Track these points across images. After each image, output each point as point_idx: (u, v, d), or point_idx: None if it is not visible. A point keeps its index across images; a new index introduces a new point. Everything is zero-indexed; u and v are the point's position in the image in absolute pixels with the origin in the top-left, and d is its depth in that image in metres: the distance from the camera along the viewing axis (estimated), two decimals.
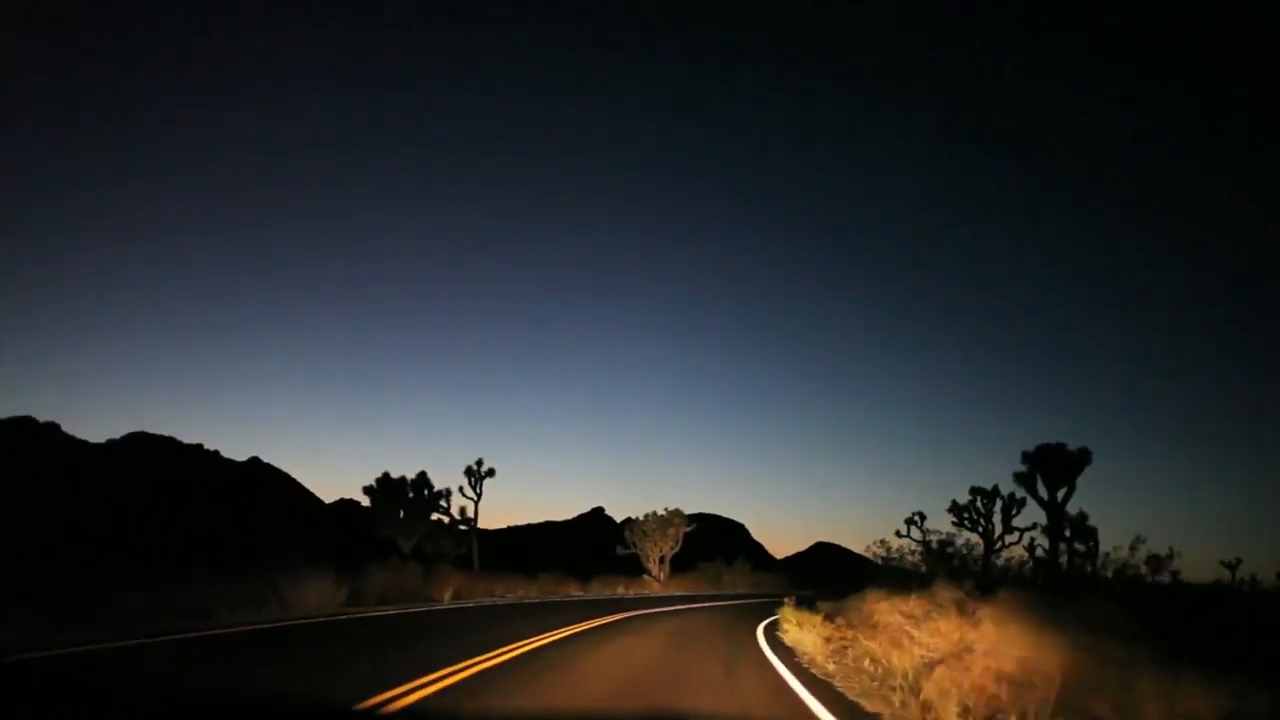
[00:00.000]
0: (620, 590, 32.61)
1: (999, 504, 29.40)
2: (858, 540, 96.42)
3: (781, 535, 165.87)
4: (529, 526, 77.13)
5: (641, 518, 41.27)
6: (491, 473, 31.89)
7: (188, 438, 35.64)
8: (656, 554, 40.22)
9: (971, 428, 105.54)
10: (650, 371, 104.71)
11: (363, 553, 22.44)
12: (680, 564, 42.28)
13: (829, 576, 59.02)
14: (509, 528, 72.83)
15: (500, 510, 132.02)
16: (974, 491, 29.75)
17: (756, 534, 76.00)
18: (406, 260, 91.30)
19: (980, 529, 29.91)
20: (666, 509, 41.08)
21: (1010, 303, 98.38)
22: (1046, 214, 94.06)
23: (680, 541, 40.53)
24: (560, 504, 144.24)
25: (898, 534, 34.04)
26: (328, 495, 52.96)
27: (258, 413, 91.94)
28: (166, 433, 41.76)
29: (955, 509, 30.28)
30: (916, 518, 33.80)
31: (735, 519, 75.39)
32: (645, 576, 39.07)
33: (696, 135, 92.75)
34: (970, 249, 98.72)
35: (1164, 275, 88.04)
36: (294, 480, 52.89)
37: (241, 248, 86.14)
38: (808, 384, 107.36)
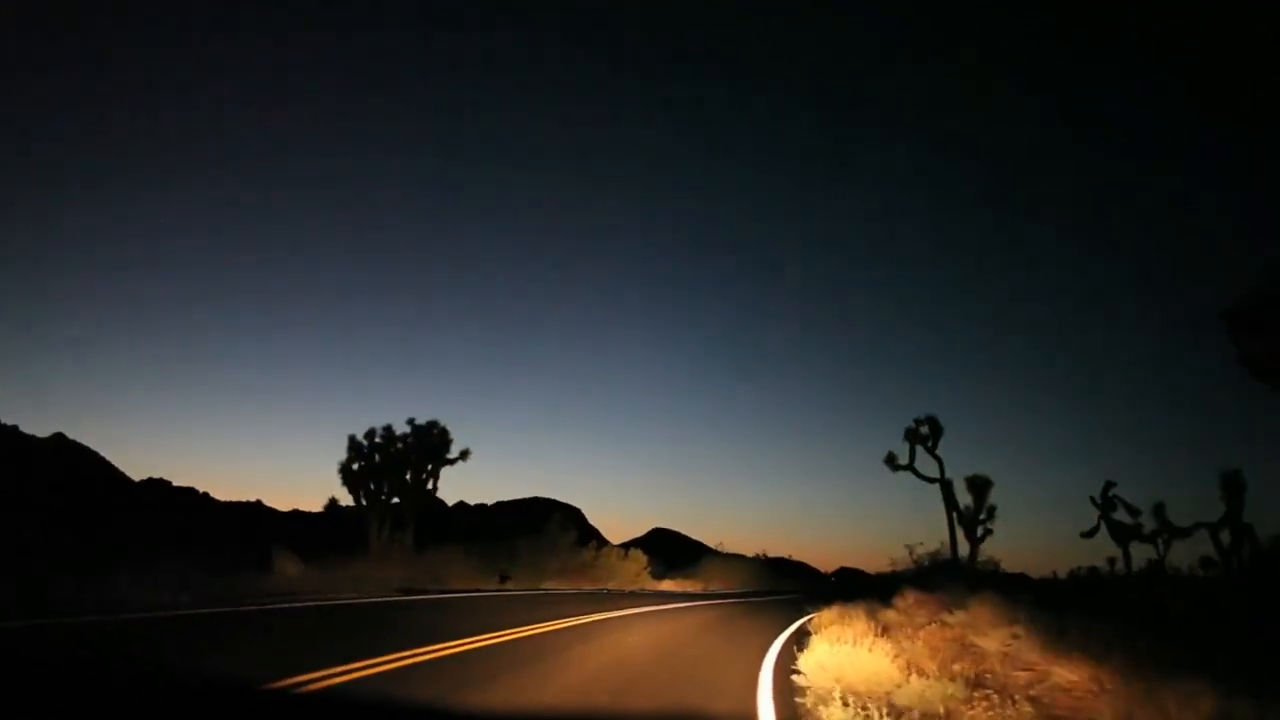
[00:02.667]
0: None
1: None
2: (694, 526, 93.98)
3: (619, 520, 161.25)
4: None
5: (362, 438, 24.80)
6: None
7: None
8: (383, 519, 23.87)
9: (810, 420, 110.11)
10: (491, 354, 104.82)
11: None
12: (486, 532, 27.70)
13: (675, 560, 52.20)
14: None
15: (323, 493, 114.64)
16: None
17: (594, 519, 68.60)
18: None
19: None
20: (413, 422, 25.42)
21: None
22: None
23: (434, 485, 25.23)
24: None
25: (892, 463, 20.88)
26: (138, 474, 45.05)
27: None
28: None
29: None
30: (923, 429, 20.85)
31: (571, 503, 68.31)
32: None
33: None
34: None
35: None
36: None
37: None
38: (646, 370, 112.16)
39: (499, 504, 69.42)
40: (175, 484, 39.46)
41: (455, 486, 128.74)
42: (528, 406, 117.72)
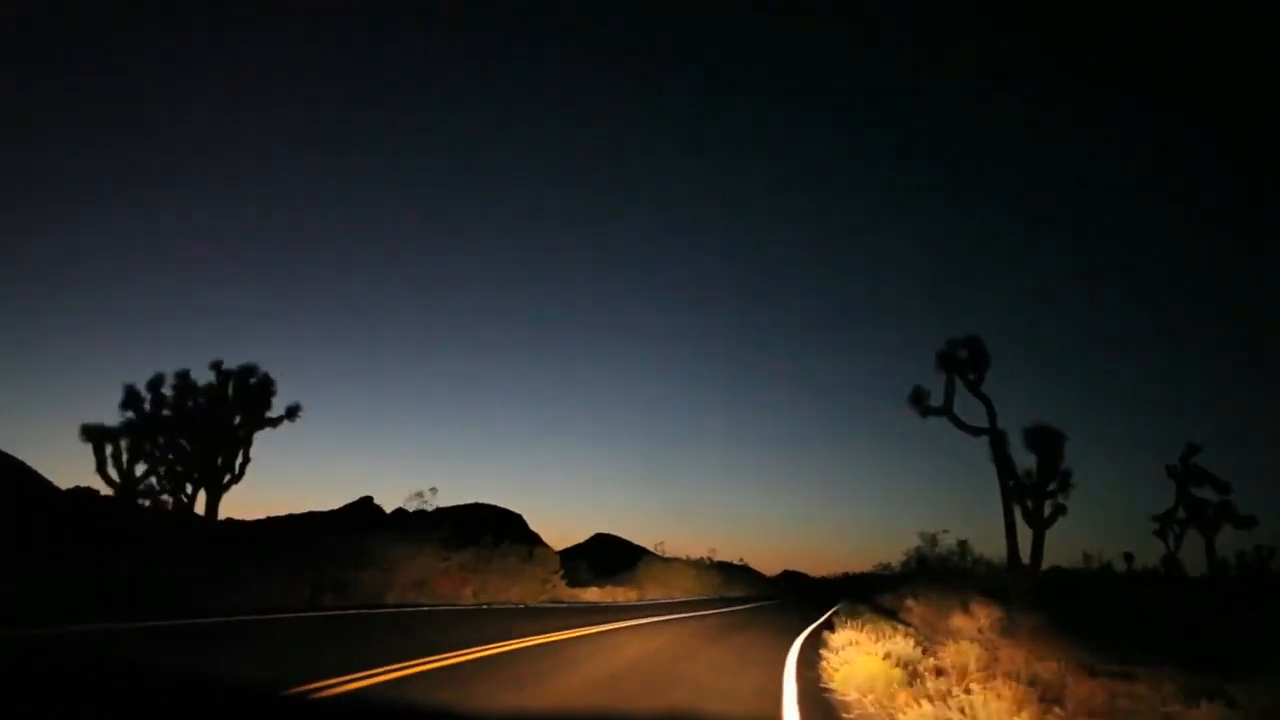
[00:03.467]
0: None
1: None
2: (639, 531, 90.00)
3: (561, 526, 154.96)
4: (289, 517, 62.56)
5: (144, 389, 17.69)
6: None
7: None
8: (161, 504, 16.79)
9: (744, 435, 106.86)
10: (428, 360, 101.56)
11: None
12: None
13: (617, 565, 47.58)
14: (267, 518, 58.10)
15: (261, 499, 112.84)
16: None
17: (534, 525, 63.71)
18: None
19: None
20: (219, 366, 18.55)
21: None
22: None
23: (245, 455, 18.05)
24: (328, 493, 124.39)
25: (920, 404, 14.13)
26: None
27: None
28: None
29: None
30: (962, 353, 15.17)
31: (512, 509, 64.40)
32: None
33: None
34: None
35: None
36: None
37: None
38: (588, 376, 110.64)
39: (439, 510, 64.71)
40: (103, 493, 36.02)
41: (393, 493, 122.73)
42: (471, 410, 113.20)
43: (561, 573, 22.32)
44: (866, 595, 40.19)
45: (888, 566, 65.98)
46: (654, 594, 38.00)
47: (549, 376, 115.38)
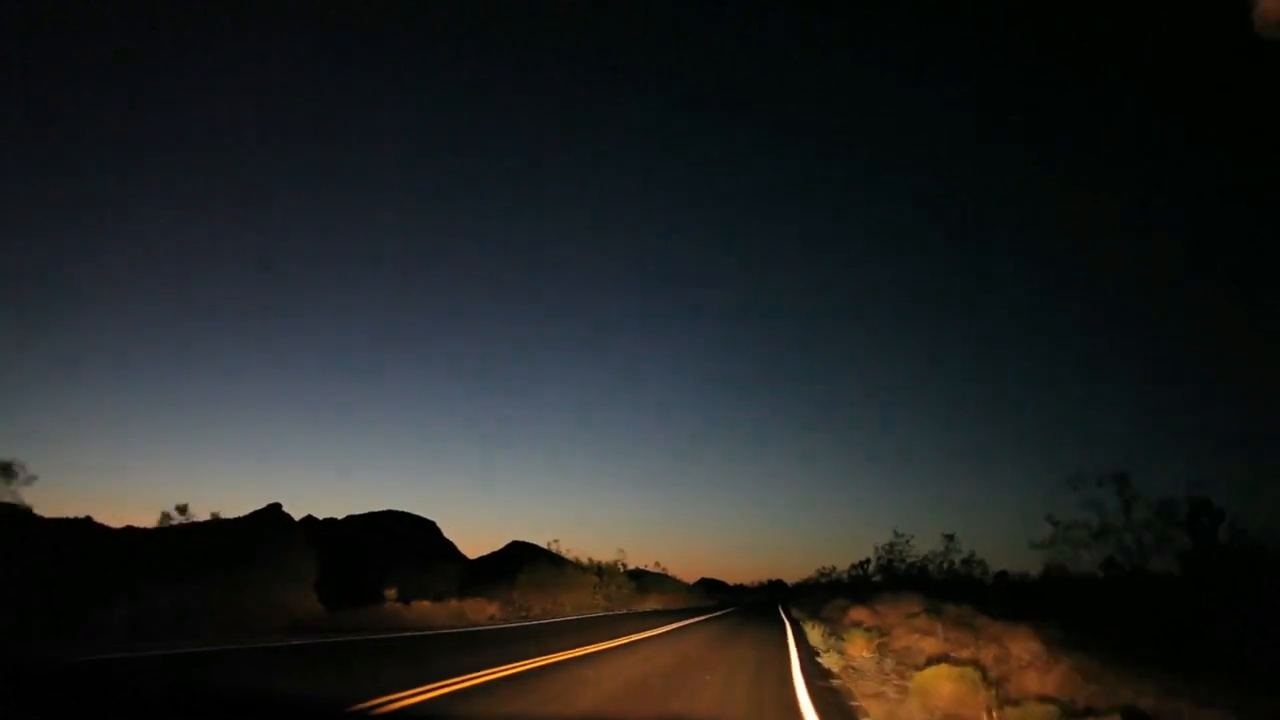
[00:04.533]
0: None
1: None
2: (544, 537, 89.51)
3: (476, 534, 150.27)
4: (194, 525, 55.23)
5: None
6: None
7: None
8: None
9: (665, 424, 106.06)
10: (338, 362, 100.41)
11: None
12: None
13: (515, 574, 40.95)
14: (158, 528, 49.16)
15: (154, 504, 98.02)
16: None
17: (449, 533, 62.15)
18: None
19: None
20: None
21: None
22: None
23: None
24: (231, 500, 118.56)
25: None
26: None
27: None
28: None
29: None
30: None
31: (426, 516, 61.18)
32: None
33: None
34: None
35: None
36: None
37: None
38: (499, 379, 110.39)
39: (350, 518, 61.35)
40: None
41: (303, 499, 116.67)
42: (386, 414, 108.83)
43: (312, 589, 14.99)
44: (822, 610, 30.97)
45: (831, 572, 60.37)
46: (539, 608, 30.79)
47: (473, 381, 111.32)
